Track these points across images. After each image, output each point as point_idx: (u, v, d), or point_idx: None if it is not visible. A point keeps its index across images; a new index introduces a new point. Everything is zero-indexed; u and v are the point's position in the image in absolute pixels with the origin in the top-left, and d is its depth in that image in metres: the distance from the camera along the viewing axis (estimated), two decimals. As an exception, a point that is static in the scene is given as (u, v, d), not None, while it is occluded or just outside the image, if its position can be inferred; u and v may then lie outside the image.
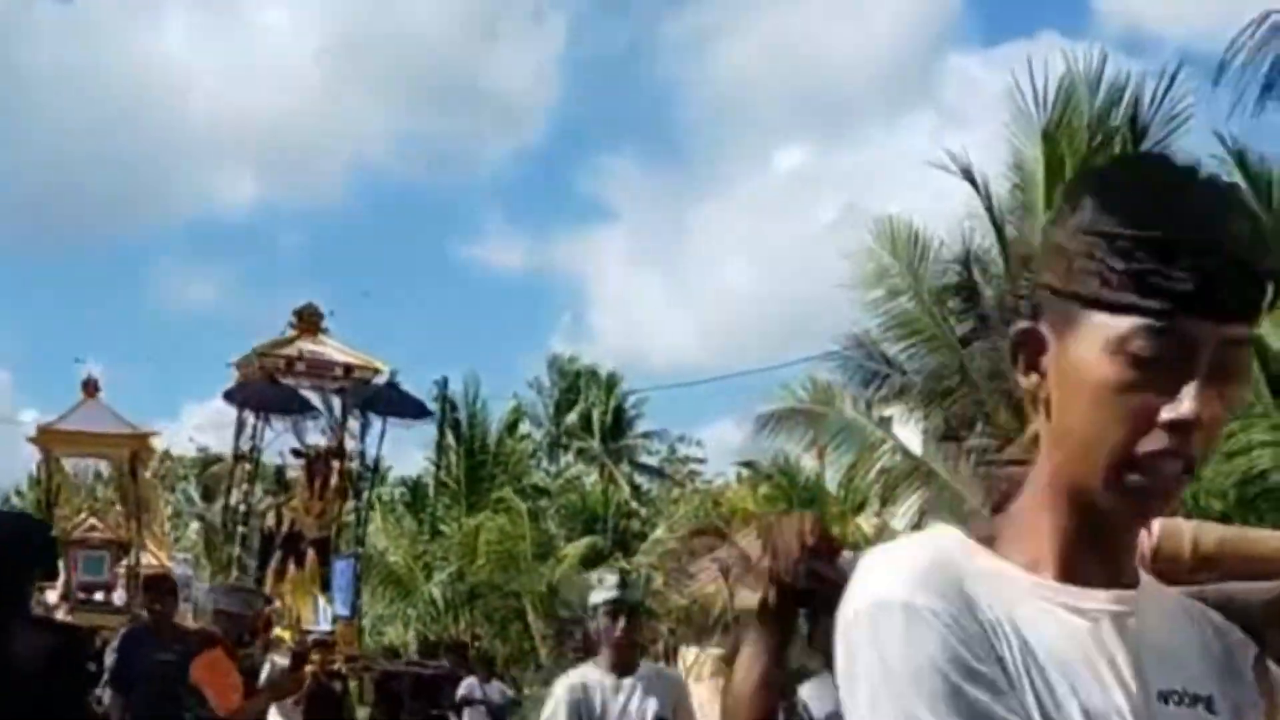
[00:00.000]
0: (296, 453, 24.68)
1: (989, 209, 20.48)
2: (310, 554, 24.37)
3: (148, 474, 33.10)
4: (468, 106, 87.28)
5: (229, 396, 25.01)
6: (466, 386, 39.53)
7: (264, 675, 18.25)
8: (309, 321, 25.17)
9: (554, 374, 50.65)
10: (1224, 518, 19.21)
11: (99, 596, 29.62)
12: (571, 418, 48.63)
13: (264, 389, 24.16)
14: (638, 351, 79.19)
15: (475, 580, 30.39)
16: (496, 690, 21.36)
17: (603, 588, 6.99)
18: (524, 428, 45.59)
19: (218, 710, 9.76)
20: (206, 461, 59.86)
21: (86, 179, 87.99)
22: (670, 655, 32.90)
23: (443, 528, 34.68)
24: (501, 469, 37.67)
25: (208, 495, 58.90)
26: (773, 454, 27.98)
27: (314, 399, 25.13)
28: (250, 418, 25.04)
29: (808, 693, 3.61)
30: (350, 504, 25.67)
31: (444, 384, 38.53)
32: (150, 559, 31.09)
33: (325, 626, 22.53)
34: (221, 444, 60.40)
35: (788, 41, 79.78)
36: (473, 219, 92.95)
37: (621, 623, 6.85)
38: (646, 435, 49.31)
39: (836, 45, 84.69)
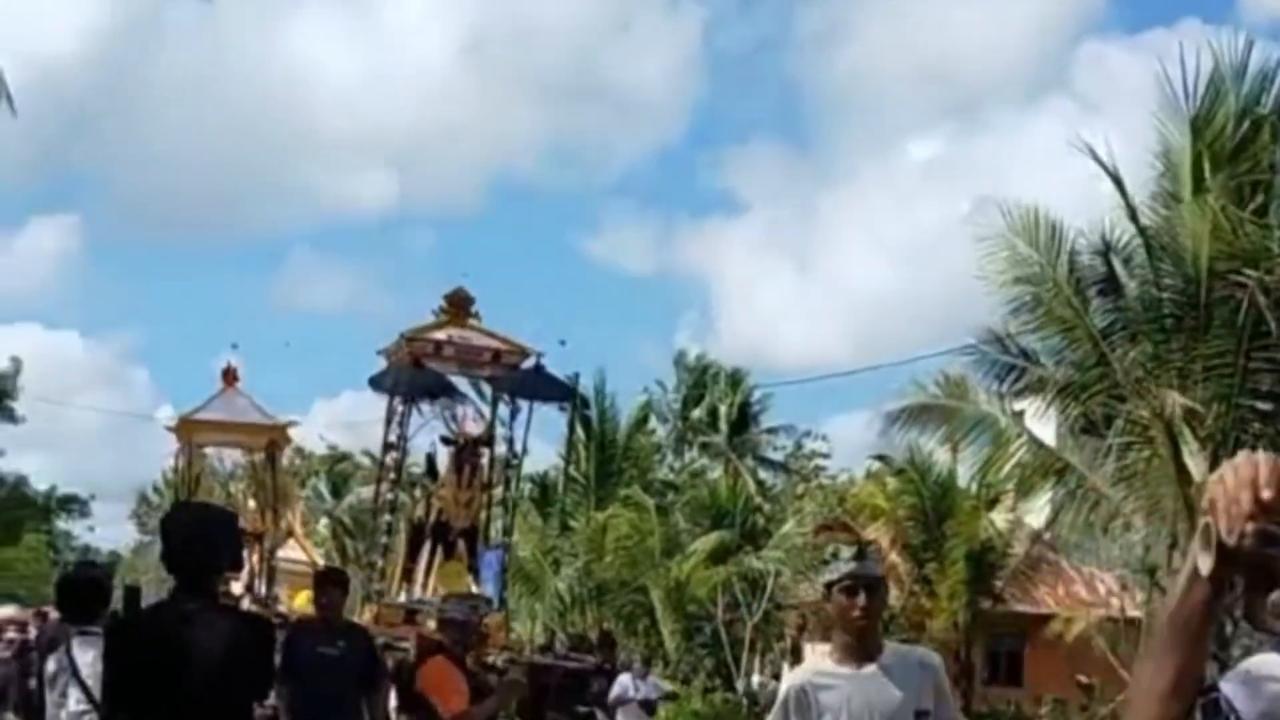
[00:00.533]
0: (445, 440, 23.82)
1: (1126, 200, 20.02)
2: (459, 544, 23.71)
3: (284, 464, 32.50)
4: (600, 103, 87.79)
5: (375, 383, 24.54)
6: (596, 383, 39.54)
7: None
8: (458, 306, 24.67)
9: (680, 370, 50.68)
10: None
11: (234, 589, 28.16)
12: (697, 413, 48.54)
13: (412, 375, 23.69)
14: (765, 346, 79.07)
15: (603, 576, 30.28)
16: (653, 686, 20.81)
17: (838, 562, 5.84)
18: (650, 423, 45.55)
19: (443, 717, 9.66)
20: (335, 458, 60.45)
21: (221, 180, 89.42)
22: (796, 651, 32.75)
23: (571, 523, 34.73)
24: (630, 464, 37.70)
25: (336, 492, 59.55)
26: (905, 448, 27.62)
27: (462, 385, 24.73)
28: (398, 405, 24.29)
29: (1233, 686, 2.68)
30: (498, 493, 25.29)
31: (575, 380, 38.52)
32: (289, 552, 31.17)
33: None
34: (349, 442, 61.25)
35: (921, 31, 79.37)
36: (602, 216, 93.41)
37: (861, 600, 5.81)
38: (772, 430, 49.16)
39: (971, 34, 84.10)
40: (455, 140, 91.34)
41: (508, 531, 25.57)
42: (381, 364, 24.68)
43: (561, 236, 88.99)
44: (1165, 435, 19.23)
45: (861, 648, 5.88)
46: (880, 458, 31.70)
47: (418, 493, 24.73)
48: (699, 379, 49.34)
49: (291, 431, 32.70)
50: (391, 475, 24.72)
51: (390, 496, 24.60)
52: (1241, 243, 18.60)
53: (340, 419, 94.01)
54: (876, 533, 29.69)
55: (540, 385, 23.91)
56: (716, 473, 41.50)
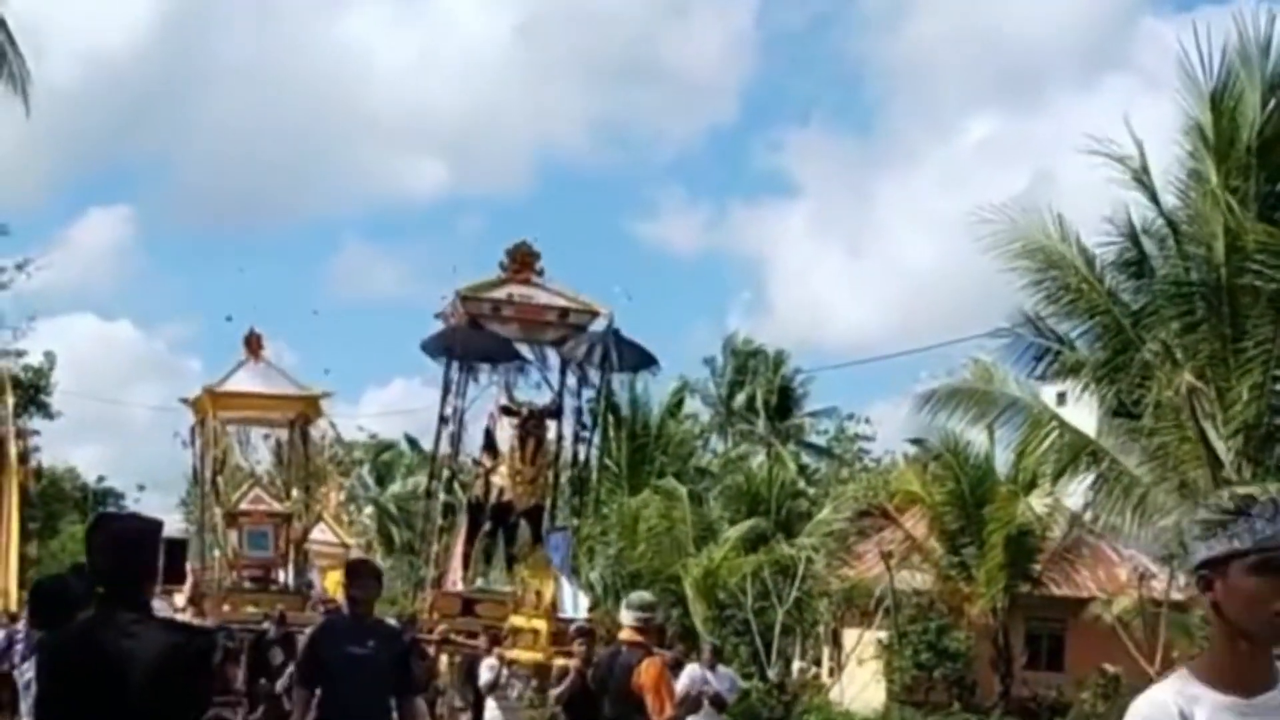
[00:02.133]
0: (506, 410, 21.38)
1: (1141, 180, 19.74)
2: (521, 527, 21.83)
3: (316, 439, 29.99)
4: (654, 85, 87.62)
5: (428, 348, 21.84)
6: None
7: (484, 678, 17.24)
8: (521, 263, 22.09)
9: (727, 354, 50.40)
10: None
11: (262, 575, 27.35)
12: (740, 398, 48.37)
13: (469, 336, 21.21)
14: (818, 329, 78.72)
15: (636, 565, 30.04)
16: (726, 679, 18.43)
17: (1253, 521, 3.53)
18: (693, 407, 45.35)
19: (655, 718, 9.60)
20: (380, 447, 60.58)
21: (272, 169, 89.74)
22: (833, 638, 32.63)
23: (605, 510, 34.41)
24: (661, 451, 37.25)
25: (381, 480, 59.70)
26: (942, 433, 27.43)
27: (525, 350, 22.20)
28: (454, 373, 21.76)
29: None
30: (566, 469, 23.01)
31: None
32: (319, 534, 29.27)
33: (583, 612, 19.59)
34: (388, 430, 61.32)
35: (979, 8, 78.69)
36: (655, 198, 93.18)
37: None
38: (814, 414, 48.93)
39: (1029, 11, 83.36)
40: (506, 123, 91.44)
41: (577, 512, 23.49)
42: (437, 328, 22.48)
43: (613, 219, 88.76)
44: (1191, 417, 19.00)
45: (1261, 666, 3.73)
46: (916, 441, 31.56)
47: (476, 470, 22.27)
48: (742, 364, 49.13)
49: (329, 415, 30.22)
50: (447, 451, 22.28)
51: (446, 474, 22.45)
52: (1260, 231, 18.33)
53: (392, 407, 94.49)
54: (914, 519, 29.62)
55: (616, 350, 21.26)
56: (759, 458, 41.34)
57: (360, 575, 10.09)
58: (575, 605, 20.14)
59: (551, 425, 21.88)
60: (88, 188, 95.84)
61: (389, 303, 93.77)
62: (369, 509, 55.70)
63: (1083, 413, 23.10)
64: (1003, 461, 28.53)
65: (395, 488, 57.98)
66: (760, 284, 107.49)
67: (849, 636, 31.35)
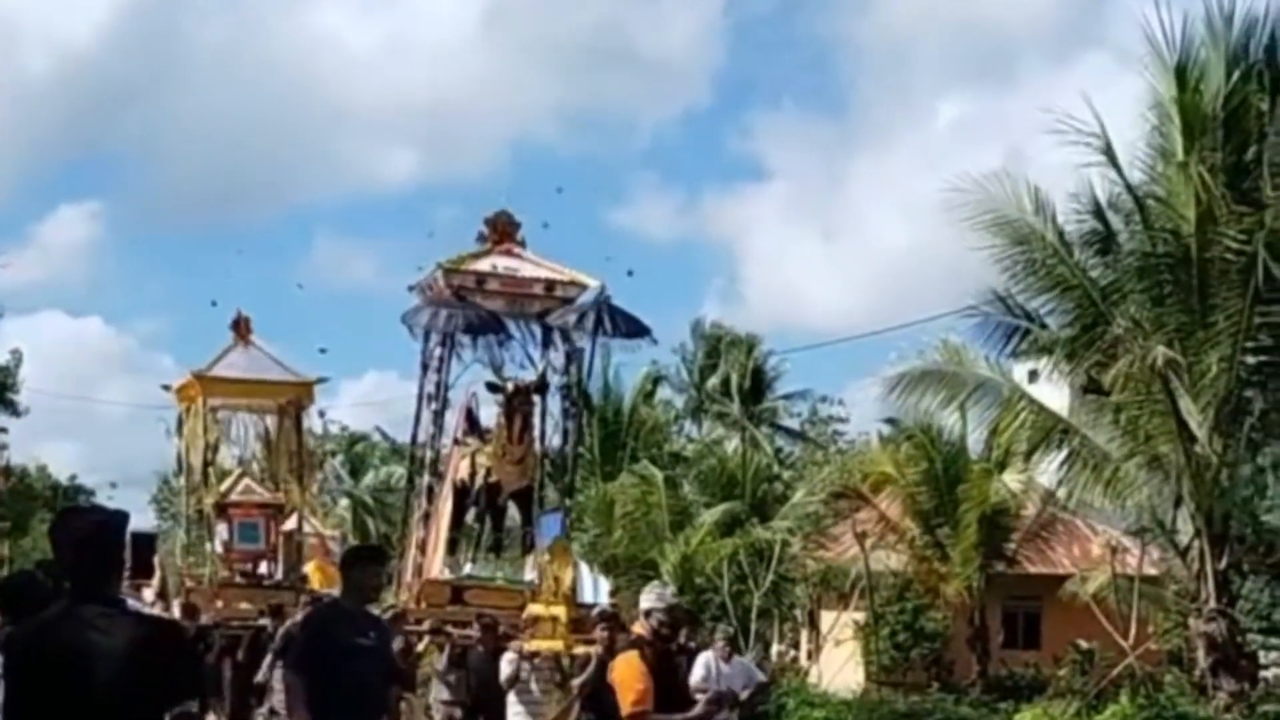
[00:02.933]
0: (492, 387, 20.33)
1: (1112, 158, 19.76)
2: (510, 509, 20.93)
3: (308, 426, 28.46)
4: (626, 70, 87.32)
5: (409, 321, 20.62)
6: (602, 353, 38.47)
7: (504, 672, 16.53)
8: (502, 232, 21.09)
9: (697, 338, 50.34)
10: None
11: (251, 569, 26.05)
12: (712, 382, 48.28)
13: (451, 310, 20.12)
14: (793, 313, 78.55)
15: (612, 551, 29.96)
16: (742, 671, 16.16)
17: None
18: (665, 394, 45.30)
19: (620, 712, 9.31)
20: (353, 439, 60.47)
21: (248, 156, 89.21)
22: (810, 620, 32.68)
23: (580, 496, 34.23)
24: (634, 436, 37.16)
25: (354, 472, 59.58)
26: (914, 413, 27.41)
27: (510, 324, 21.05)
28: (435, 347, 20.67)
29: None
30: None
31: (579, 354, 37.98)
32: (290, 525, 26.93)
33: (604, 598, 19.36)
34: (363, 422, 61.15)
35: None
36: (627, 184, 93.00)
37: None
38: (788, 397, 48.91)
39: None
40: (478, 111, 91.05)
41: (569, 492, 22.16)
42: (414, 301, 21.13)
43: (587, 206, 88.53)
44: (1163, 390, 19.05)
45: None
46: (890, 421, 31.55)
47: (460, 451, 21.12)
48: (713, 347, 49.03)
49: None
50: (431, 431, 21.03)
51: (430, 455, 21.13)
52: (1228, 203, 18.37)
53: (365, 399, 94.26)
54: (888, 500, 29.63)
55: (609, 320, 19.91)
56: (734, 443, 41.27)
57: (372, 562, 9.94)
58: (595, 590, 20.18)
59: (538, 401, 20.67)
60: (57, 183, 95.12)
61: (362, 294, 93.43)
62: (344, 501, 55.54)
63: (1054, 390, 23.16)
64: (975, 440, 28.58)
65: (369, 479, 57.88)
66: (734, 269, 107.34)
67: (826, 619, 31.37)
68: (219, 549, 25.50)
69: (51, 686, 5.48)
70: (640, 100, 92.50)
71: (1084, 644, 26.20)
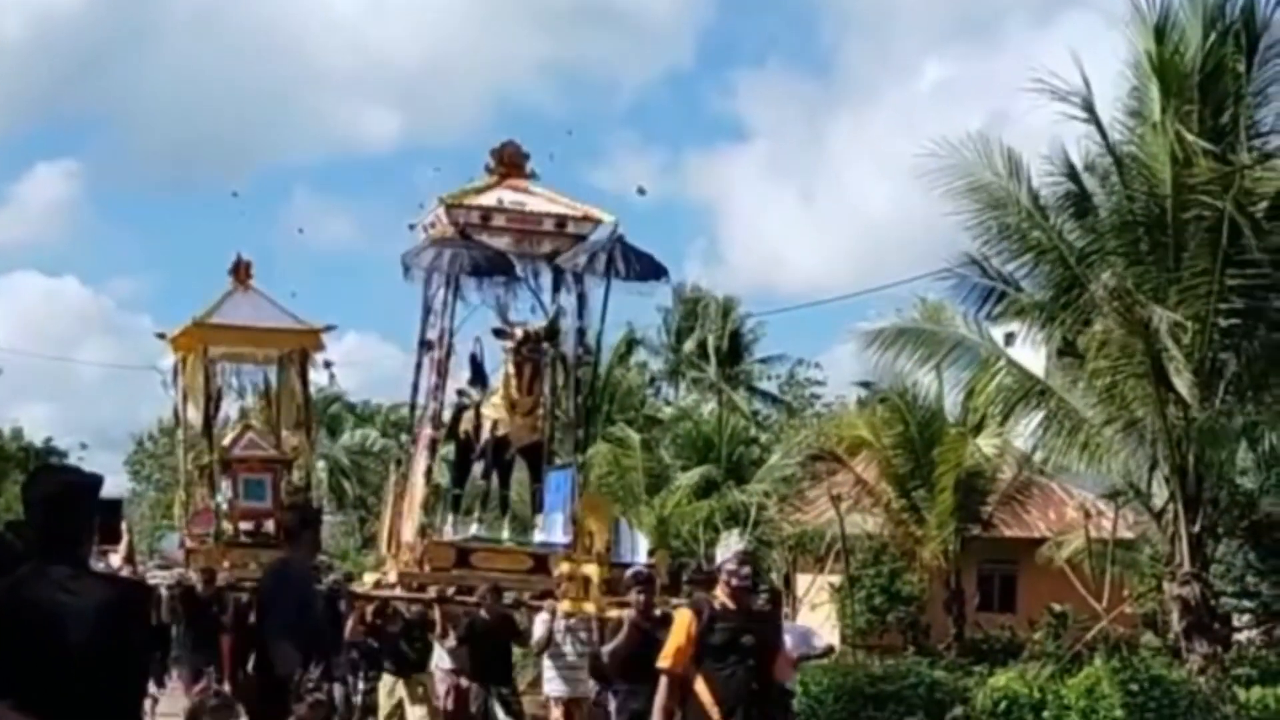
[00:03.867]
0: (499, 333, 18.73)
1: (1093, 116, 19.67)
2: (517, 465, 19.66)
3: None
4: (608, 29, 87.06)
5: (408, 262, 19.10)
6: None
7: (536, 632, 15.93)
8: (510, 164, 19.54)
9: (676, 300, 50.17)
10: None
11: (254, 527, 24.56)
12: (689, 345, 48.21)
13: (456, 249, 18.52)
14: (774, 275, 78.44)
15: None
16: (802, 638, 16.21)
17: None
18: (641, 356, 45.16)
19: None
20: (328, 400, 60.32)
21: (224, 117, 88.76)
22: (786, 583, 32.63)
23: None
24: (608, 399, 36.95)
25: (331, 434, 59.43)
26: (890, 376, 27.33)
27: (518, 265, 19.48)
28: (438, 290, 19.10)
29: None
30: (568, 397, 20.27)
31: (556, 315, 37.71)
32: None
33: (641, 557, 17.60)
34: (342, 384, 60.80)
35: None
36: (608, 144, 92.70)
37: None
38: (765, 360, 48.85)
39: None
40: (460, 70, 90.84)
41: (581, 446, 20.57)
42: (416, 240, 19.78)
43: (569, 166, 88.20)
44: (1147, 354, 18.95)
45: None
46: (865, 384, 31.50)
47: (463, 403, 19.73)
48: (691, 310, 48.95)
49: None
50: (433, 381, 19.40)
51: (435, 408, 19.50)
52: (1204, 164, 18.29)
53: (345, 360, 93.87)
54: (864, 463, 29.56)
55: (622, 260, 18.49)
56: (710, 406, 41.15)
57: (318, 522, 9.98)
58: (634, 548, 18.35)
59: (548, 349, 19.25)
60: (33, 143, 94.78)
61: (343, 255, 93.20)
62: (320, 463, 55.41)
63: (1031, 354, 23.09)
64: (952, 403, 28.49)
65: (345, 440, 57.73)
66: (715, 230, 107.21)
67: (802, 582, 31.34)
68: (224, 506, 24.44)
69: (20, 647, 5.43)
70: (623, 60, 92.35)
71: (1058, 607, 26.20)
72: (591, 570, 16.32)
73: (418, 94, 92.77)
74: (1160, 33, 18.91)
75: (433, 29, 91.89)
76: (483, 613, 16.57)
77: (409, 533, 19.31)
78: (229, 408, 26.75)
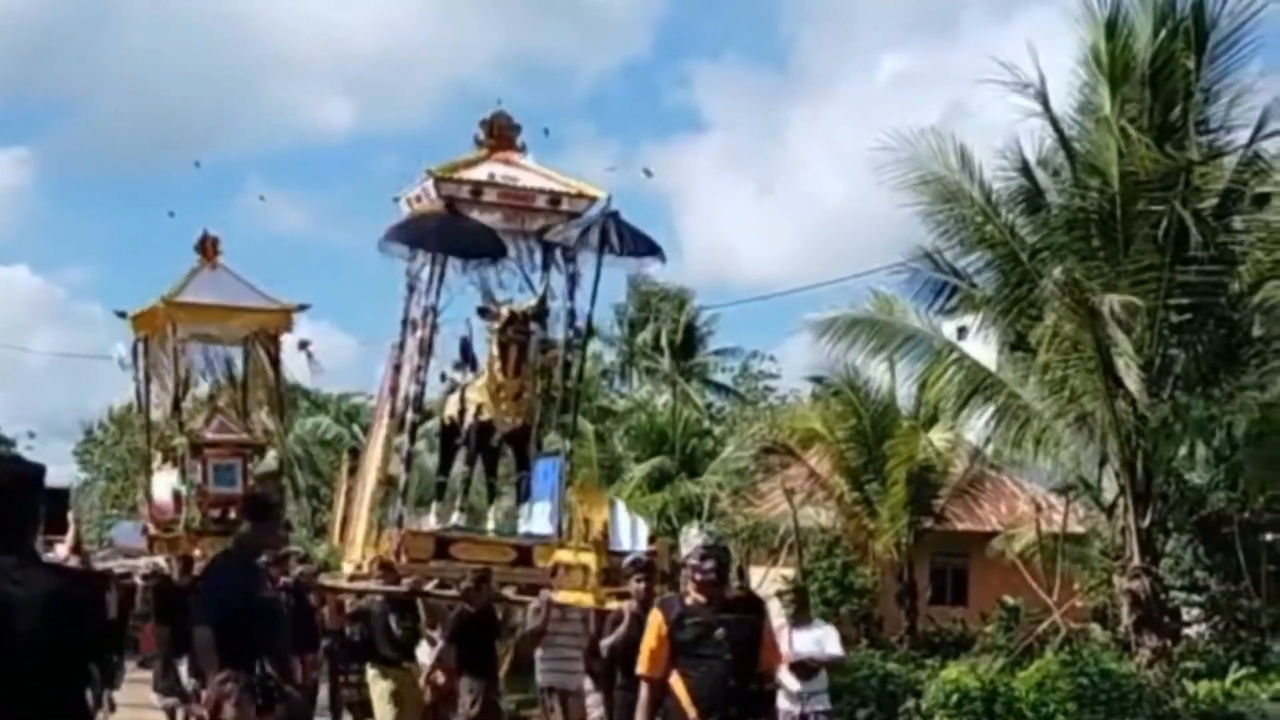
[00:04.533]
0: (484, 312, 17.86)
1: (1047, 110, 19.72)
2: (504, 451, 18.52)
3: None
4: (567, 20, 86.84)
5: (394, 237, 18.01)
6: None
7: (529, 623, 14.68)
8: (500, 138, 18.64)
9: (631, 292, 50.09)
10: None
11: (221, 514, 23.10)
12: (644, 336, 48.11)
13: (443, 223, 17.68)
14: (730, 267, 78.44)
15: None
16: (816, 642, 14.59)
17: None
18: (595, 347, 44.97)
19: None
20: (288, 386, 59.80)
21: (179, 104, 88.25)
22: (739, 576, 32.65)
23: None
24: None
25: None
26: (842, 369, 27.39)
27: (508, 242, 18.44)
28: (422, 268, 18.12)
29: None
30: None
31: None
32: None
33: (642, 544, 16.65)
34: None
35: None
36: (566, 134, 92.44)
37: None
38: (719, 353, 48.81)
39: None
40: (417, 59, 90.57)
41: (569, 433, 19.55)
42: (401, 215, 18.69)
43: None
44: (1096, 348, 19.01)
45: None
46: (817, 379, 31.49)
47: (448, 386, 18.77)
48: (645, 302, 48.83)
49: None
50: (416, 362, 18.27)
51: (415, 391, 18.38)
52: (1152, 160, 18.37)
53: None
54: (817, 456, 29.62)
55: (616, 236, 17.62)
56: (664, 398, 41.16)
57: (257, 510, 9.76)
58: (634, 535, 17.37)
59: (536, 331, 18.14)
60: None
61: (299, 244, 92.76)
62: (271, 452, 55.07)
63: (983, 348, 23.16)
64: (905, 396, 28.60)
65: (298, 428, 57.37)
66: (671, 221, 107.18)
67: (755, 574, 31.38)
68: (193, 493, 23.25)
69: None
70: (580, 51, 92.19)
71: (1010, 600, 26.31)
72: (588, 559, 15.52)
73: (375, 83, 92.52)
74: (1111, 28, 18.95)
75: (391, 18, 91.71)
76: (465, 605, 15.60)
77: (362, 525, 18.52)
78: (194, 390, 25.25)
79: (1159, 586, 20.12)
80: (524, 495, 18.29)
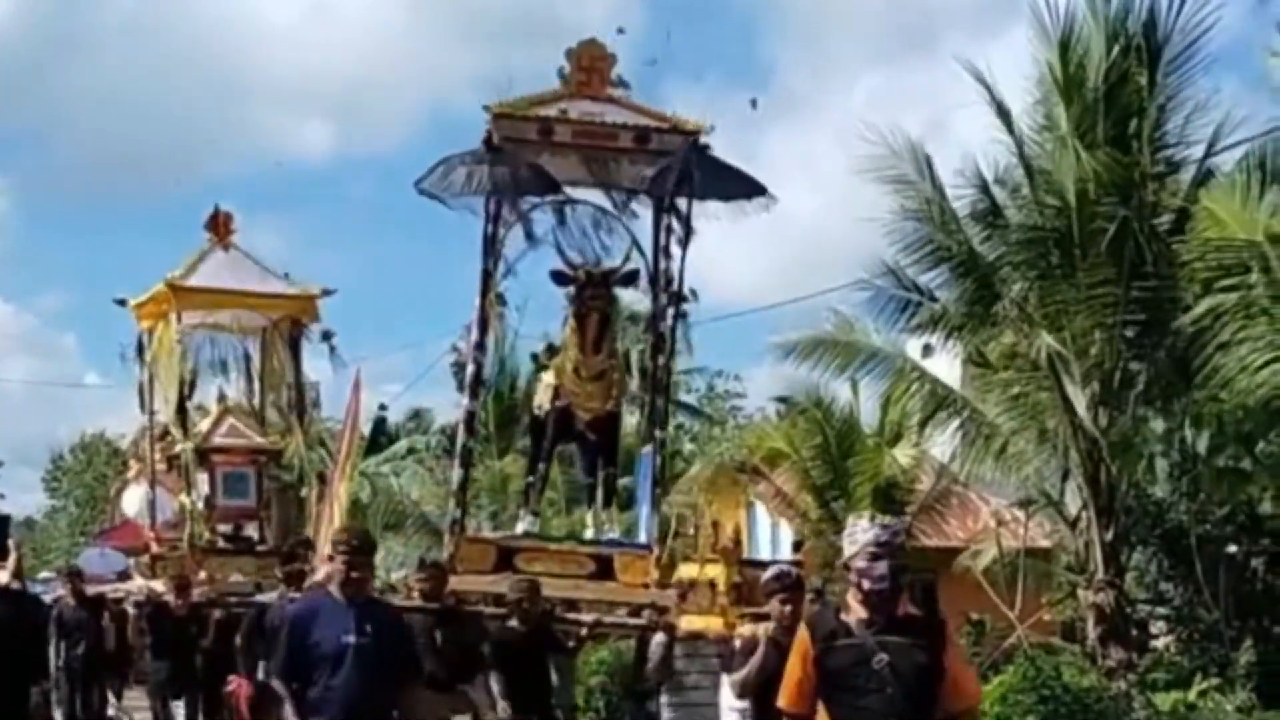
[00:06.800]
0: (558, 276, 14.71)
1: (1009, 128, 19.85)
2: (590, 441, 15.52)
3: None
4: (545, 42, 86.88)
5: (434, 191, 14.40)
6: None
7: (652, 658, 12.65)
8: (590, 69, 15.00)
9: (596, 312, 49.68)
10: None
11: (233, 531, 21.43)
12: (611, 358, 47.93)
13: (500, 166, 14.31)
14: (707, 286, 78.19)
15: (509, 529, 29.60)
16: None
17: None
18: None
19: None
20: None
21: (154, 128, 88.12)
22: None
23: (476, 474, 33.55)
24: (528, 411, 36.45)
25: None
26: (806, 388, 27.45)
27: (588, 192, 15.47)
28: (485, 223, 14.65)
29: None
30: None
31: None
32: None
33: (784, 553, 13.84)
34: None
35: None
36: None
37: None
38: (687, 372, 48.73)
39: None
40: (395, 83, 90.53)
41: (662, 421, 15.97)
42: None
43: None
44: (1049, 368, 19.20)
45: None
46: (782, 399, 31.53)
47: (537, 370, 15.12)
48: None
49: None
50: (473, 336, 14.97)
51: (472, 368, 15.17)
52: (1106, 176, 18.50)
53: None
54: (783, 474, 29.63)
55: (711, 176, 14.56)
56: (634, 418, 41.03)
57: (349, 547, 8.79)
58: (774, 542, 14.71)
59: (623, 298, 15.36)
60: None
61: (277, 265, 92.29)
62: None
63: (948, 364, 23.29)
64: (869, 413, 28.67)
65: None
66: (645, 241, 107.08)
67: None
68: (200, 505, 20.85)
69: None
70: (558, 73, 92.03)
71: (976, 616, 26.34)
72: (716, 572, 12.91)
73: (352, 105, 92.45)
74: (1064, 46, 19.11)
75: (367, 41, 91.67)
76: (513, 622, 12.99)
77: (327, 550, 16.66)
78: (203, 390, 22.67)
79: (1124, 599, 20.23)
80: (608, 497, 15.92)
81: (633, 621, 13.70)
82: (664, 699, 12.51)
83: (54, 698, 17.69)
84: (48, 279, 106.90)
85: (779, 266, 75.45)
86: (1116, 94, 19.03)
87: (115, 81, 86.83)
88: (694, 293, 15.81)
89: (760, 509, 16.28)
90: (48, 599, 19.77)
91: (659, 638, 12.57)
